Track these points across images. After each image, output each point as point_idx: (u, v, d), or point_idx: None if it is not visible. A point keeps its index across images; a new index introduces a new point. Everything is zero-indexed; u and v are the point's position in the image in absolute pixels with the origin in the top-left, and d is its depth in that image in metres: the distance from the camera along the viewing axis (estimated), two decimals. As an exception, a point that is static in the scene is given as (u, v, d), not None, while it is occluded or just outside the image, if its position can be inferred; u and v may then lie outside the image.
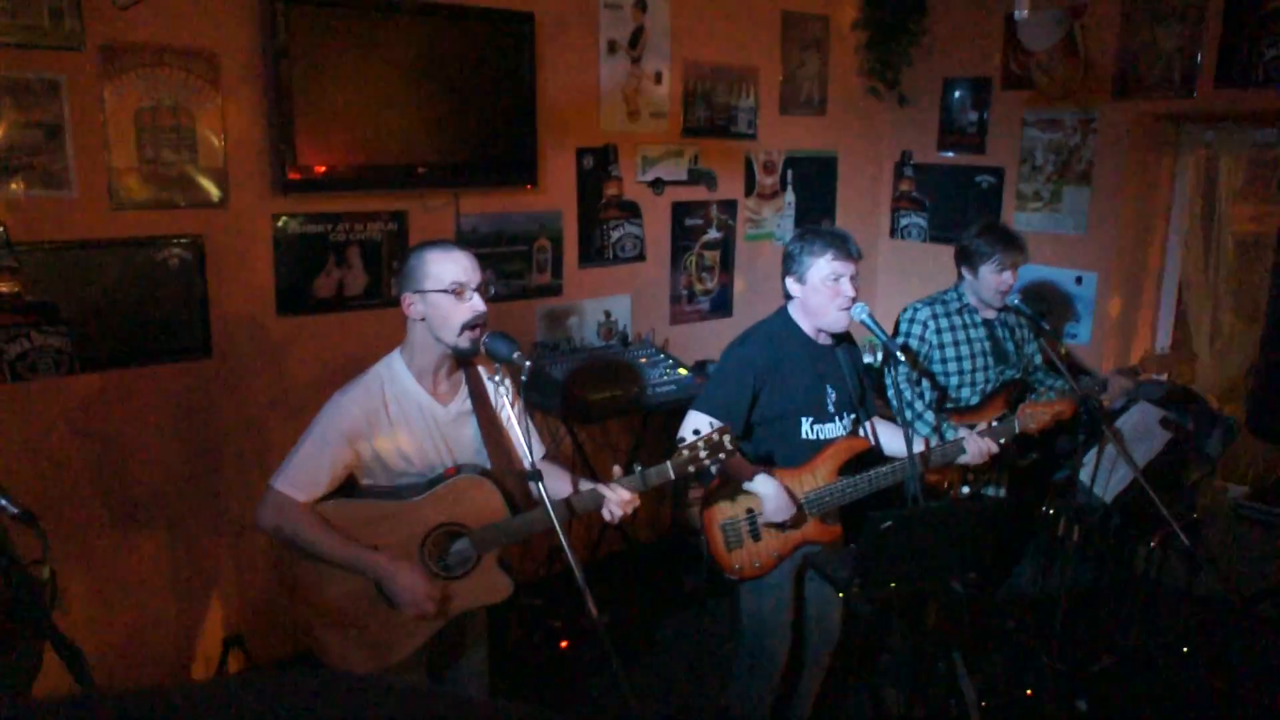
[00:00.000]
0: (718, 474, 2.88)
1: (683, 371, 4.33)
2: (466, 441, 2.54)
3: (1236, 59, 4.39)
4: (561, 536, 2.21)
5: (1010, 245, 3.53)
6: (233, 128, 3.51)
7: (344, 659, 2.42)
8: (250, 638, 3.69)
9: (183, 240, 3.47)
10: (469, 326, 2.38)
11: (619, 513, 2.47)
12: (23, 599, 1.39)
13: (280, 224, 3.67)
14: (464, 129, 3.95)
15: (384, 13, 3.70)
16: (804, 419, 2.94)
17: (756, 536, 2.90)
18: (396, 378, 2.48)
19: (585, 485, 2.56)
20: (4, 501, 1.38)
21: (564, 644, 3.97)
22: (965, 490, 3.57)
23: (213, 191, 3.51)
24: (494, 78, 4.00)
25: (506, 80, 4.04)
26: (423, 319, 2.42)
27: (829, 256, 2.87)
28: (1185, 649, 3.75)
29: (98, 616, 3.43)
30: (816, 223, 5.38)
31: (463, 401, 2.54)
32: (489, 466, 2.51)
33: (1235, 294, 4.75)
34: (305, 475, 2.38)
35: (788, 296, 3.00)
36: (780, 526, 2.88)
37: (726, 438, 2.46)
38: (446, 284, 2.37)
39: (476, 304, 2.39)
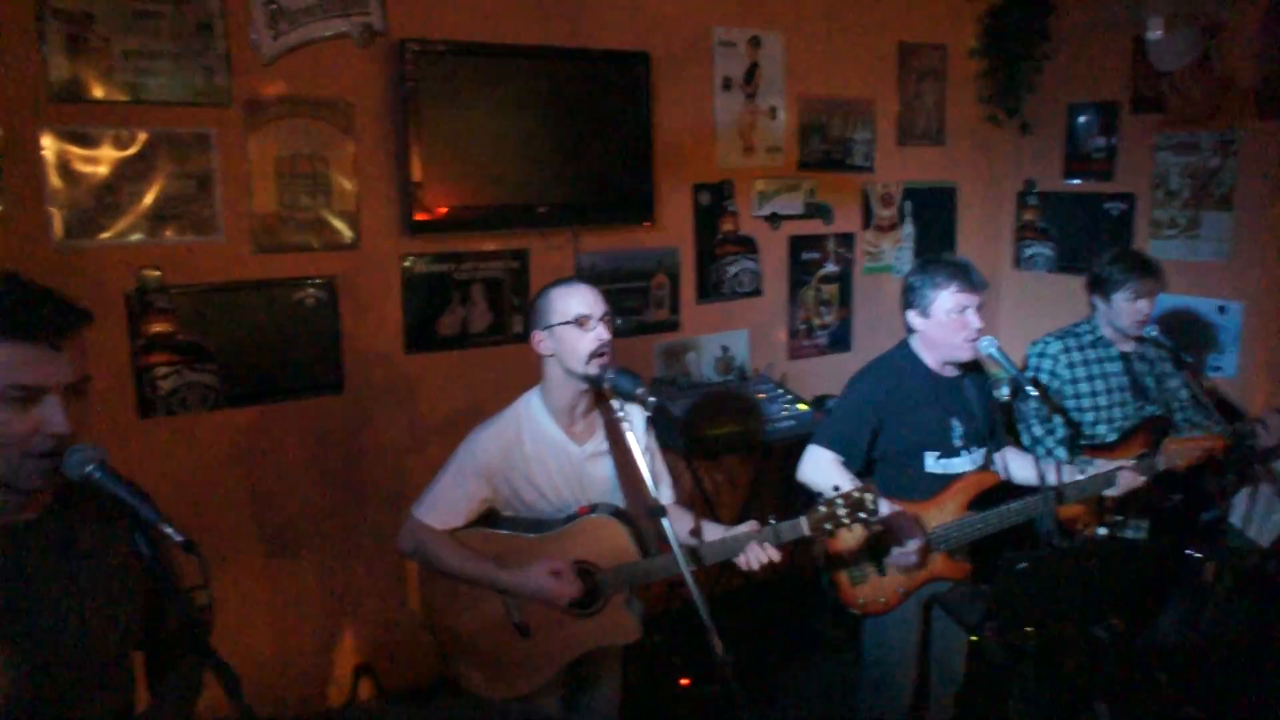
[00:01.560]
0: None
1: (802, 406, 4.29)
2: (601, 481, 2.56)
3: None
4: (690, 581, 2.19)
5: (1146, 272, 3.39)
6: (364, 172, 3.67)
7: (479, 687, 2.50)
8: (380, 666, 3.78)
9: (318, 281, 3.63)
10: (595, 355, 2.42)
11: (756, 565, 2.44)
12: (187, 624, 1.47)
13: (408, 264, 3.80)
14: (583, 168, 4.03)
15: (506, 57, 3.82)
16: (928, 453, 2.87)
17: (882, 571, 2.83)
18: (533, 415, 2.53)
19: (712, 530, 2.54)
20: (170, 530, 1.46)
21: (684, 681, 3.93)
22: (1102, 531, 3.41)
23: (345, 234, 3.66)
24: (612, 117, 4.08)
25: (624, 119, 4.11)
26: (552, 354, 2.47)
27: (953, 288, 2.82)
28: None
29: (239, 639, 3.57)
30: (936, 255, 5.27)
31: (599, 442, 2.57)
32: (623, 506, 2.53)
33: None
34: (443, 506, 2.48)
35: (909, 330, 2.94)
36: (905, 561, 2.80)
37: (869, 497, 2.41)
38: (570, 316, 2.42)
39: (601, 333, 2.42)
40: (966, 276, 2.83)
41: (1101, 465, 3.03)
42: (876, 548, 2.82)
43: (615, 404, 2.43)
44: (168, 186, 3.31)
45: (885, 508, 2.73)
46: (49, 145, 3.12)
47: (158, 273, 3.31)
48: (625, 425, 2.39)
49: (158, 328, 3.34)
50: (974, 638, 2.72)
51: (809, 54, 4.74)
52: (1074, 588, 2.50)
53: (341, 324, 3.69)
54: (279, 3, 3.44)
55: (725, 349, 4.63)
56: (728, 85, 4.51)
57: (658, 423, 3.93)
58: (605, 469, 2.56)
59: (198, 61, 3.32)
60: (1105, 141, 5.11)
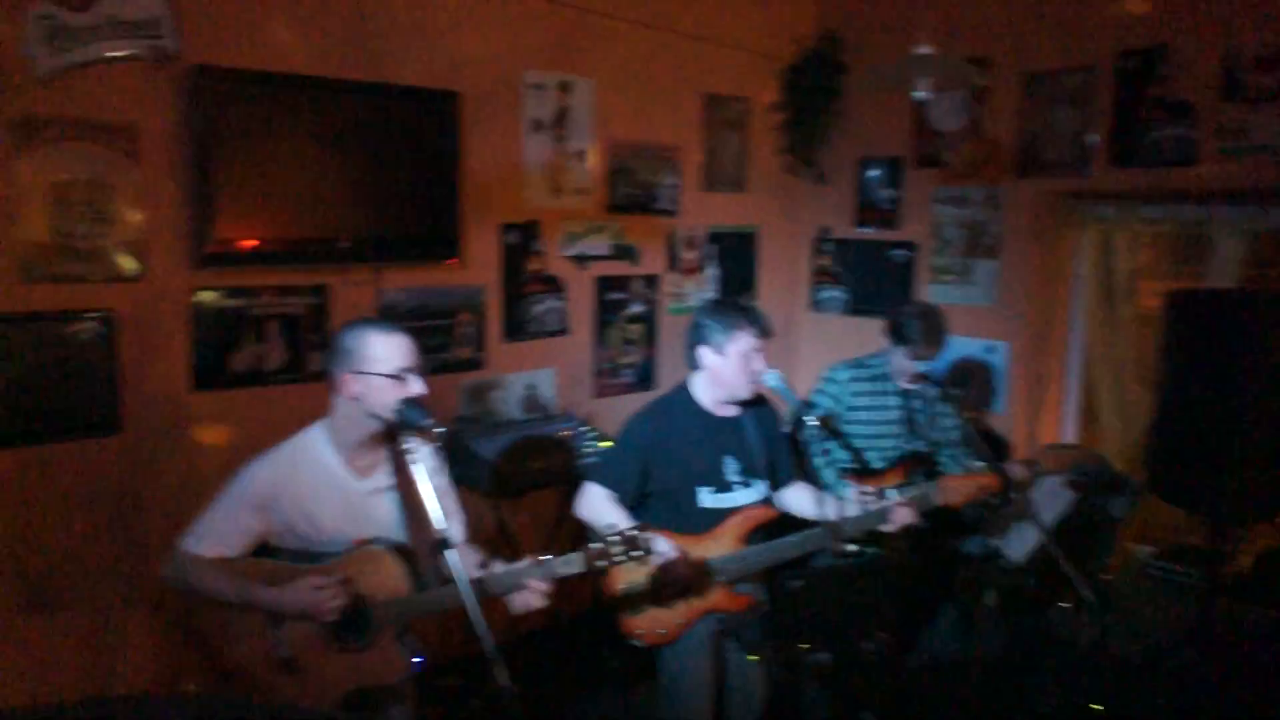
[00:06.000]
0: None
1: (607, 444, 4.35)
2: (383, 516, 2.53)
3: (1127, 140, 4.67)
4: (473, 612, 2.19)
5: (930, 342, 3.63)
6: (152, 201, 3.50)
7: None
8: None
9: (94, 315, 3.43)
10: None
11: (520, 609, 2.46)
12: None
13: (198, 298, 3.65)
14: (387, 204, 4.00)
15: (307, 89, 3.75)
16: (701, 489, 2.98)
17: (662, 603, 2.90)
18: (314, 448, 2.48)
19: (499, 567, 2.55)
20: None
21: None
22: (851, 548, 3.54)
23: (129, 265, 3.48)
24: (418, 154, 4.07)
25: (430, 156, 4.11)
26: (356, 398, 2.41)
27: (751, 333, 2.96)
28: (1099, 707, 3.80)
29: (7, 692, 3.28)
30: (727, 298, 5.49)
31: (383, 477, 2.53)
32: (406, 542, 2.50)
33: (1137, 363, 4.94)
34: (213, 537, 2.41)
35: (695, 366, 3.05)
36: (681, 592, 2.88)
37: (642, 536, 2.49)
38: (391, 369, 2.38)
39: (418, 386, 2.40)
40: (761, 323, 2.99)
41: (854, 493, 3.18)
42: (653, 580, 2.89)
43: (405, 439, 2.41)
44: (-81, 210, 3.06)
45: (663, 544, 2.82)
46: None
47: (-96, 303, 3.05)
48: (412, 459, 2.37)
49: (-97, 362, 3.07)
50: (753, 657, 2.82)
51: (618, 101, 4.89)
52: (842, 604, 2.65)
53: (121, 360, 3.49)
54: (58, 18, 3.26)
55: (531, 387, 4.66)
56: (537, 127, 4.58)
57: (461, 461, 3.93)
58: (389, 505, 2.53)
59: (-43, 77, 3.10)
60: (891, 193, 5.51)
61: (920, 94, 3.60)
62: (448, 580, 2.28)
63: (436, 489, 2.40)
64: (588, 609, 4.73)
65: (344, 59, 3.90)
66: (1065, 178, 4.87)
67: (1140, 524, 4.64)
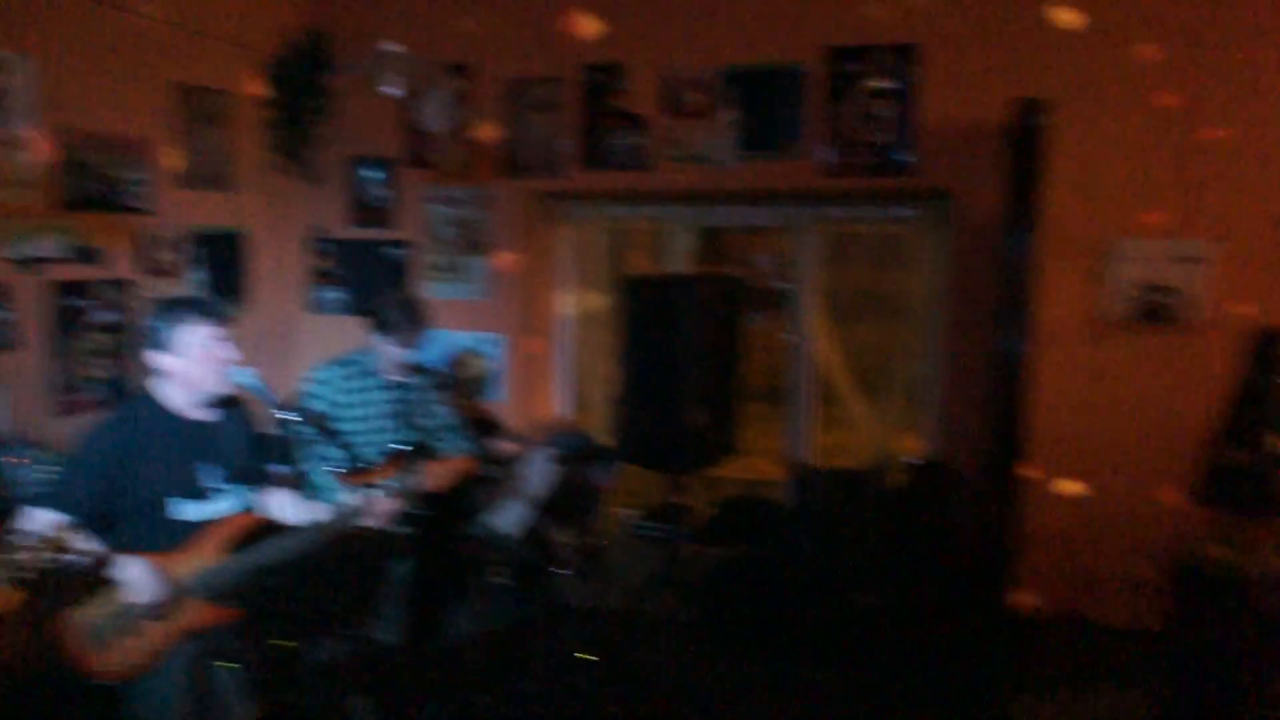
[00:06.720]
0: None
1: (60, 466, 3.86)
2: None
3: (594, 146, 5.19)
4: None
5: (412, 329, 3.69)
6: None
7: None
8: None
9: None
10: None
11: None
12: None
13: None
14: None
15: None
16: (173, 501, 2.76)
17: (129, 632, 2.64)
18: None
19: None
20: None
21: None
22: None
23: None
24: None
25: None
26: None
27: (204, 323, 2.78)
28: (591, 658, 4.17)
29: None
30: (174, 296, 5.16)
31: None
32: None
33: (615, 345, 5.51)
34: None
35: (152, 372, 2.82)
36: (156, 616, 2.66)
37: (66, 536, 2.24)
38: None
39: None
40: (212, 310, 2.81)
41: (356, 490, 3.17)
42: (118, 608, 2.62)
43: None
44: None
45: (136, 571, 2.58)
46: None
47: None
48: None
49: None
50: (232, 665, 2.67)
51: (71, 85, 4.34)
52: (335, 598, 2.62)
53: None
54: None
55: (-32, 411, 4.00)
56: (-39, 109, 3.93)
57: None
58: None
59: None
60: (385, 193, 5.55)
61: (388, 89, 3.68)
62: None
63: None
64: (34, 655, 4.18)
65: None
66: (544, 179, 5.28)
67: (627, 489, 5.18)
